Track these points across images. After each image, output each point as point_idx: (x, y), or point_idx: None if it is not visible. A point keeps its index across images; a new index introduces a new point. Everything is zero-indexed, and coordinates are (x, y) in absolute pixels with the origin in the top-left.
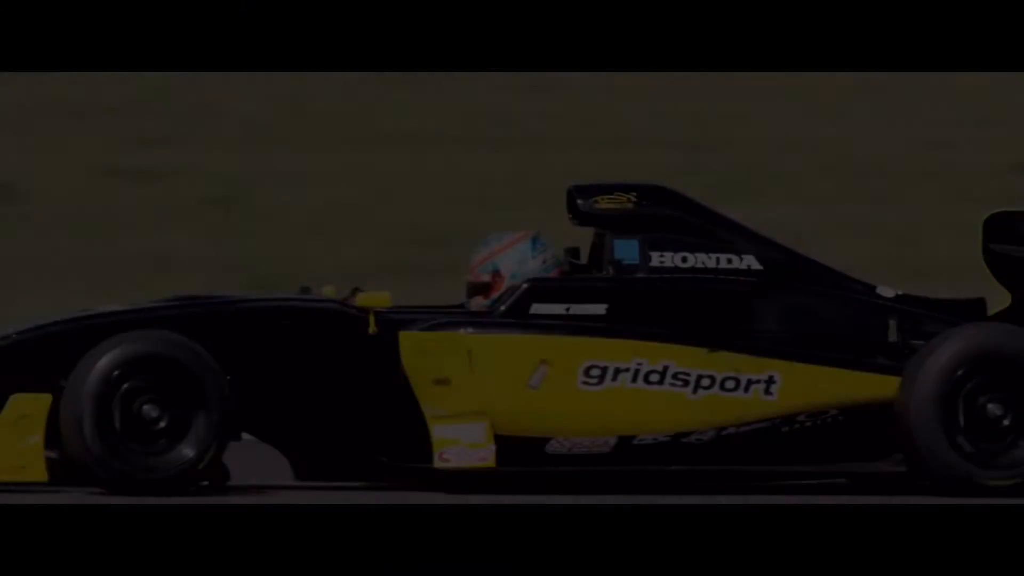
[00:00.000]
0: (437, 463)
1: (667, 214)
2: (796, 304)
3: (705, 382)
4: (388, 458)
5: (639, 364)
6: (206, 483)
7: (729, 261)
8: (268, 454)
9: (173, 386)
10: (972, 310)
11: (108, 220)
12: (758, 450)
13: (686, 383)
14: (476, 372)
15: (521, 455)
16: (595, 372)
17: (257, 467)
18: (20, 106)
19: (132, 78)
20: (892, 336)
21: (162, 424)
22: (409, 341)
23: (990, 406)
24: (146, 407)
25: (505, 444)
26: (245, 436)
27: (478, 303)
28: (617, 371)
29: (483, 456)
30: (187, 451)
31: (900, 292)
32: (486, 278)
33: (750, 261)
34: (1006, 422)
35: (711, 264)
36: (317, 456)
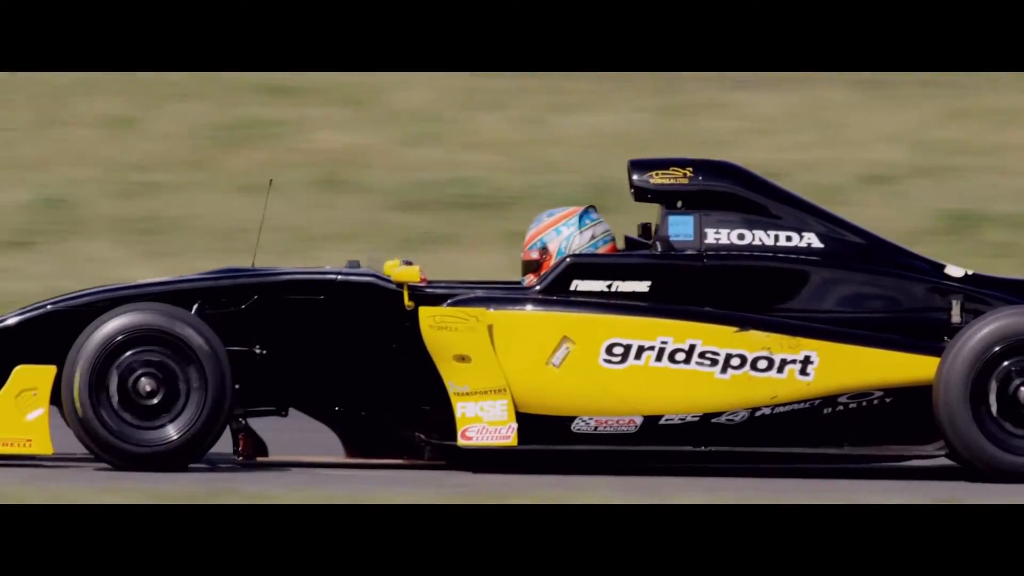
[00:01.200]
0: (460, 441)
1: (724, 190)
2: (851, 283)
3: (735, 362)
4: (425, 435)
5: (664, 343)
6: (240, 457)
7: (788, 239)
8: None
9: (173, 363)
10: None
11: None
12: (798, 432)
13: (714, 362)
14: (497, 349)
15: (547, 433)
16: (617, 350)
17: (309, 443)
18: None
19: None
20: (956, 317)
21: (155, 400)
22: (428, 317)
23: (1023, 389)
24: (143, 380)
25: (530, 422)
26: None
27: (531, 280)
28: (641, 349)
29: (505, 435)
30: (171, 431)
31: (970, 272)
32: (535, 255)
33: (811, 239)
34: None
35: (769, 242)
36: (359, 432)
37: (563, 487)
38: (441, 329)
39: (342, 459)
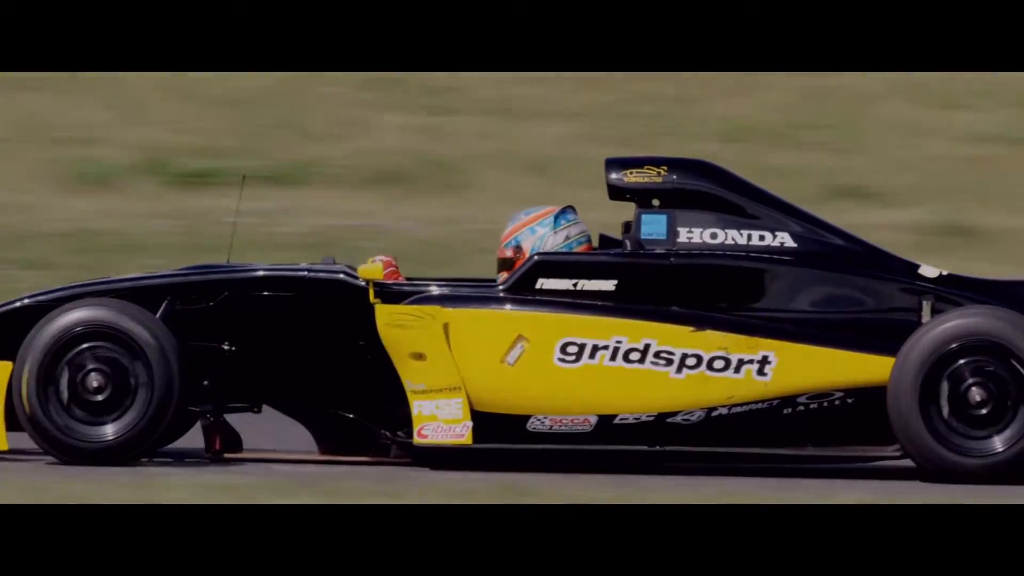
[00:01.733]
0: (416, 439)
1: (698, 189)
2: (822, 283)
3: (691, 361)
4: (390, 432)
5: (619, 342)
6: (209, 454)
7: (761, 238)
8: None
9: (124, 361)
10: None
11: None
12: (756, 432)
13: (669, 362)
14: (452, 347)
15: (502, 432)
16: (572, 349)
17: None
18: None
19: None
20: (926, 317)
21: (99, 397)
22: (384, 314)
23: (973, 390)
24: (92, 374)
25: (486, 421)
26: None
27: (503, 278)
28: (595, 348)
29: (459, 433)
30: (108, 429)
31: (944, 272)
32: (510, 253)
33: (784, 239)
34: (984, 410)
35: (742, 241)
36: (330, 429)
37: (521, 484)
38: (397, 327)
39: (309, 455)
